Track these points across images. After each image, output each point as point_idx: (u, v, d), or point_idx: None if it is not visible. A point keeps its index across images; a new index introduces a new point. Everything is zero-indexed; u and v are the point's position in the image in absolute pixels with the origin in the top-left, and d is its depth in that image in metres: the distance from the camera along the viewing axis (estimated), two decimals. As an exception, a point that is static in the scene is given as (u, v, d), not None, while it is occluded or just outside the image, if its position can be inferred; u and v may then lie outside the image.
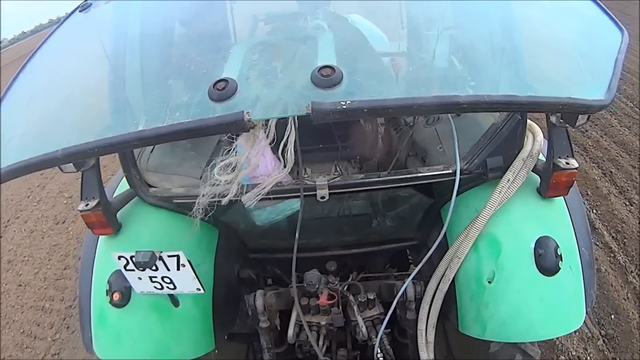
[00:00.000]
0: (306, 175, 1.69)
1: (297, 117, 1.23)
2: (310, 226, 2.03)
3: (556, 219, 1.62)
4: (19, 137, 1.19)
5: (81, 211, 1.59)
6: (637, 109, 5.09)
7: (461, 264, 1.65)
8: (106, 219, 1.61)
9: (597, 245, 3.30)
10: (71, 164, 1.51)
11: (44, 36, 1.55)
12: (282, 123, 1.34)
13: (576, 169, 1.53)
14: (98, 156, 1.38)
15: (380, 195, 1.90)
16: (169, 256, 1.46)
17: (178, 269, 1.49)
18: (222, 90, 1.00)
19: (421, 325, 1.78)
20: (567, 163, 1.52)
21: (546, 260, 1.52)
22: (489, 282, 1.58)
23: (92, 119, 1.20)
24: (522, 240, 1.57)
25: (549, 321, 1.54)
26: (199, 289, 1.55)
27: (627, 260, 3.20)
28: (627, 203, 3.74)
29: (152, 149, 1.91)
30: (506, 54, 1.28)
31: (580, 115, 1.40)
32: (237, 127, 0.95)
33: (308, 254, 2.02)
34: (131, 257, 1.46)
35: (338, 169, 1.90)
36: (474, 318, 1.63)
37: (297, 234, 1.62)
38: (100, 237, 1.71)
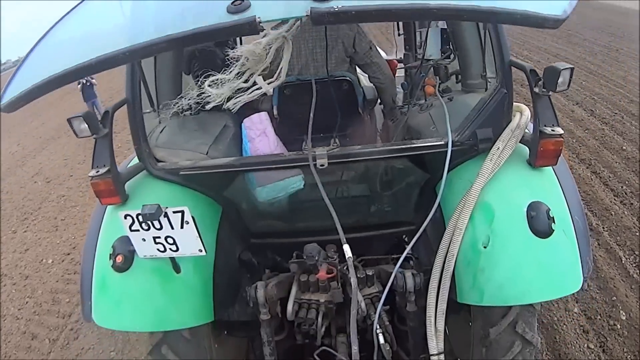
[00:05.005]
0: (306, 147, 1.78)
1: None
2: (310, 209, 2.08)
3: (547, 187, 1.68)
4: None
5: (92, 177, 1.67)
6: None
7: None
8: (114, 187, 1.69)
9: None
10: (87, 127, 1.62)
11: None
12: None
13: (561, 135, 1.62)
14: (130, 62, 1.52)
15: (378, 169, 1.96)
16: (173, 212, 1.51)
17: (182, 226, 1.54)
18: (238, 6, 1.17)
19: (430, 312, 1.71)
20: (553, 130, 1.61)
21: (539, 222, 1.57)
22: (484, 247, 1.62)
23: (120, 34, 1.33)
24: (515, 205, 1.62)
25: (546, 283, 1.56)
26: (201, 250, 1.58)
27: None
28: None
29: (162, 129, 2.02)
30: None
31: (560, 79, 1.52)
32: (249, 28, 1.11)
33: (307, 239, 2.05)
34: (137, 215, 1.52)
35: (337, 142, 1.99)
36: (472, 285, 1.64)
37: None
38: (108, 207, 1.77)
